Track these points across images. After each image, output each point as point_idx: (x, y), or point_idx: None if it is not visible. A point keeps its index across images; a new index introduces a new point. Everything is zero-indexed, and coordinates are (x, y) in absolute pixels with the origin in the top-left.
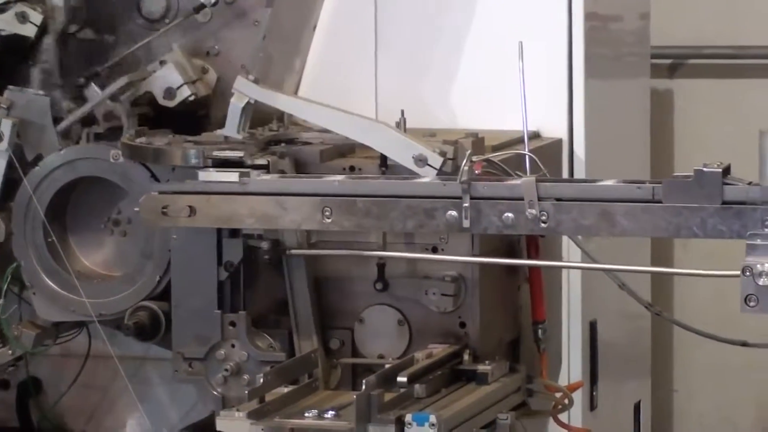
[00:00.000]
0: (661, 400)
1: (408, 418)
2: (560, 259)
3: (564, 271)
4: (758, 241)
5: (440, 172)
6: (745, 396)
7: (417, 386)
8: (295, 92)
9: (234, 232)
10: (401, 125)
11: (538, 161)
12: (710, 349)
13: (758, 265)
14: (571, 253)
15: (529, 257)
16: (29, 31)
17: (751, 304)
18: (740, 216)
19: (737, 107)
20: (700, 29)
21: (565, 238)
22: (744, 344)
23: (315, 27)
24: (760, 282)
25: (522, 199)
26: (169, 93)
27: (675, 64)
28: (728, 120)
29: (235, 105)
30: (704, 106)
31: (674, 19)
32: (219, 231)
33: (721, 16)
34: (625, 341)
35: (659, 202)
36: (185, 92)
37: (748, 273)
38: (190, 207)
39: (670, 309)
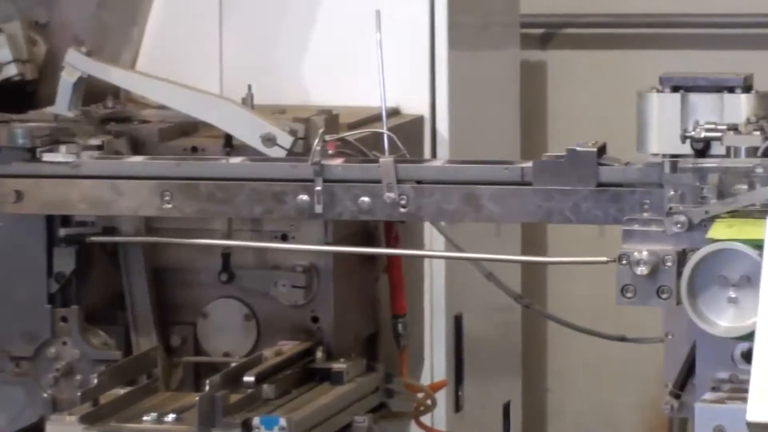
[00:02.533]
0: (533, 399)
1: (256, 421)
2: (422, 247)
3: (426, 261)
4: (636, 227)
5: (290, 153)
6: (624, 394)
7: (265, 386)
8: (133, 66)
9: (66, 220)
10: (248, 101)
11: (397, 140)
12: (587, 345)
13: (635, 253)
14: (434, 240)
15: (388, 245)
16: None
17: (628, 294)
18: (617, 199)
19: (615, 80)
20: None
21: (427, 225)
22: (622, 339)
23: None
24: (638, 271)
25: (379, 181)
26: None
27: (547, 34)
28: (605, 94)
29: (66, 80)
30: (580, 79)
31: None
32: (49, 218)
33: None
34: (493, 336)
35: (529, 184)
36: (11, 71)
37: (624, 261)
38: (16, 192)
39: (544, 301)
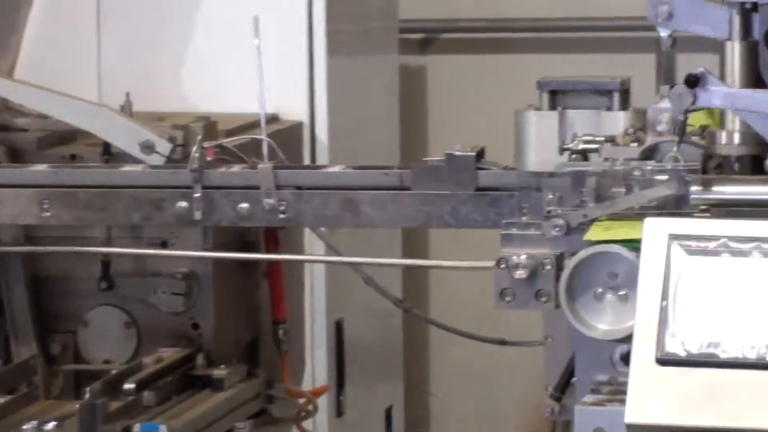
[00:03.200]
0: (415, 404)
1: (136, 428)
2: (302, 252)
3: (307, 267)
4: (514, 231)
5: (169, 160)
6: (506, 397)
7: (146, 393)
8: (11, 74)
9: None
10: (126, 109)
11: (276, 147)
12: (469, 349)
13: (514, 257)
14: (314, 246)
15: (268, 251)
16: None
17: (507, 299)
18: (495, 203)
19: (494, 84)
20: (452, 1)
21: (308, 230)
22: (503, 343)
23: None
24: (516, 275)
25: (258, 188)
26: None
27: (427, 39)
28: (485, 99)
29: None
30: (459, 84)
31: None
32: None
33: None
34: (374, 341)
35: (408, 189)
36: None
37: (503, 265)
38: None
39: (426, 305)
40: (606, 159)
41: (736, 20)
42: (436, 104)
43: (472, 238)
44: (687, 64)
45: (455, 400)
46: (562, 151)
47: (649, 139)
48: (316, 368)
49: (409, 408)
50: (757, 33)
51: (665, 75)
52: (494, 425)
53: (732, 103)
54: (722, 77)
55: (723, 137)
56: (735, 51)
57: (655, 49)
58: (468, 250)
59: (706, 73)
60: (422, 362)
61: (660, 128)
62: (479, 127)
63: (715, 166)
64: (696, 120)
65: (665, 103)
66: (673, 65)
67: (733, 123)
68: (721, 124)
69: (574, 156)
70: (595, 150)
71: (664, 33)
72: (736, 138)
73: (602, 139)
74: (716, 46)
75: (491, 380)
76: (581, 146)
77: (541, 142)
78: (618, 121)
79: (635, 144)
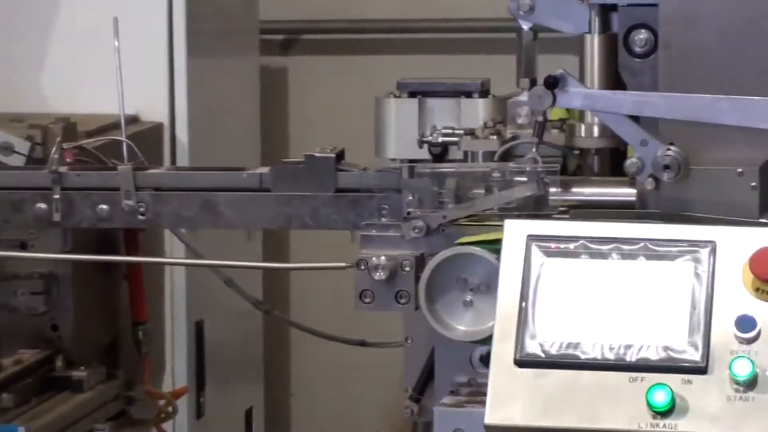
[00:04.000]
0: (276, 405)
1: None
2: (162, 254)
3: (167, 268)
4: (374, 232)
5: (30, 162)
6: (368, 398)
7: (5, 395)
8: None
9: None
10: None
11: (135, 148)
12: (330, 350)
13: (373, 258)
14: (175, 246)
15: (128, 252)
16: None
17: (367, 300)
18: (355, 205)
19: (355, 85)
20: (314, 2)
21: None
22: (363, 344)
23: None
24: (376, 276)
25: (118, 189)
26: None
27: (287, 40)
28: (346, 99)
29: None
30: (320, 85)
31: None
32: None
33: None
34: (235, 343)
35: (268, 190)
36: None
37: (362, 266)
38: None
39: (287, 307)
40: (465, 152)
41: (596, 19)
42: (297, 105)
43: (332, 239)
44: (548, 65)
45: (316, 401)
46: (421, 144)
47: (509, 132)
48: (176, 370)
49: (269, 409)
50: (616, 32)
51: (525, 69)
52: (355, 426)
53: (591, 104)
54: (582, 78)
55: (582, 130)
56: (594, 47)
57: (516, 50)
58: (329, 251)
59: (565, 74)
60: (283, 363)
61: (520, 120)
62: (340, 128)
63: (575, 165)
64: (556, 113)
65: (525, 96)
66: (533, 59)
67: (593, 116)
68: (581, 117)
69: (433, 148)
70: (455, 143)
71: (525, 26)
72: (596, 131)
73: (462, 131)
74: (576, 47)
75: (352, 381)
76: (440, 139)
77: (401, 131)
78: (477, 110)
79: (495, 137)
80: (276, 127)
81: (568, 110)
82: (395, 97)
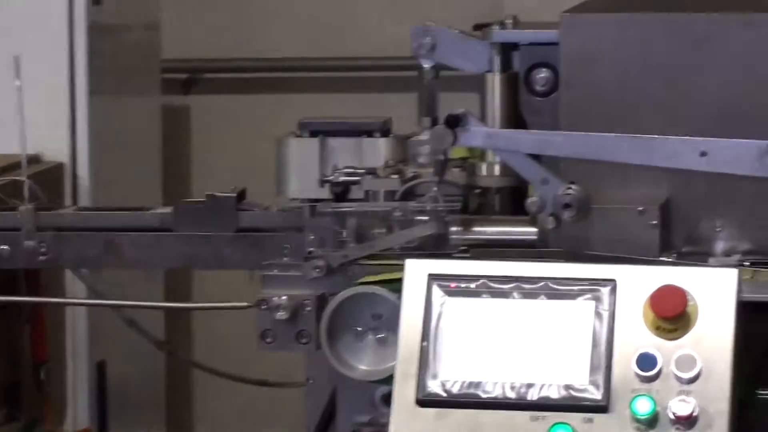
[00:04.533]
0: None
1: None
2: (64, 294)
3: (69, 308)
4: (275, 272)
5: None
6: None
7: None
8: None
9: None
10: None
11: (36, 188)
12: (232, 390)
13: (275, 298)
14: (77, 286)
15: (29, 293)
16: None
17: (268, 340)
18: (256, 244)
19: (258, 125)
20: (216, 41)
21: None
22: (265, 384)
23: None
24: (277, 316)
25: (19, 229)
26: None
27: (190, 79)
28: (249, 139)
29: None
30: (223, 124)
31: (189, 31)
32: None
33: (236, 28)
34: (137, 383)
35: (170, 230)
36: None
37: (263, 306)
38: None
39: (190, 346)
40: (367, 193)
41: (497, 58)
42: (199, 144)
43: (236, 278)
44: (449, 103)
45: None
46: (322, 183)
47: (411, 171)
48: (78, 410)
49: None
50: (517, 71)
51: (427, 107)
52: None
53: (492, 143)
54: (483, 117)
55: (484, 169)
56: (495, 87)
57: (417, 88)
58: (232, 290)
59: (466, 113)
60: (186, 403)
61: (421, 160)
62: (242, 167)
63: (477, 203)
64: (457, 152)
65: (426, 135)
66: (435, 98)
67: (494, 155)
68: (482, 156)
69: (334, 188)
70: (356, 182)
71: (426, 65)
72: (497, 170)
73: (363, 171)
74: (477, 85)
75: (256, 421)
76: (342, 178)
77: (303, 171)
78: (379, 150)
79: (396, 176)
80: (178, 167)
81: (469, 149)
82: (296, 137)
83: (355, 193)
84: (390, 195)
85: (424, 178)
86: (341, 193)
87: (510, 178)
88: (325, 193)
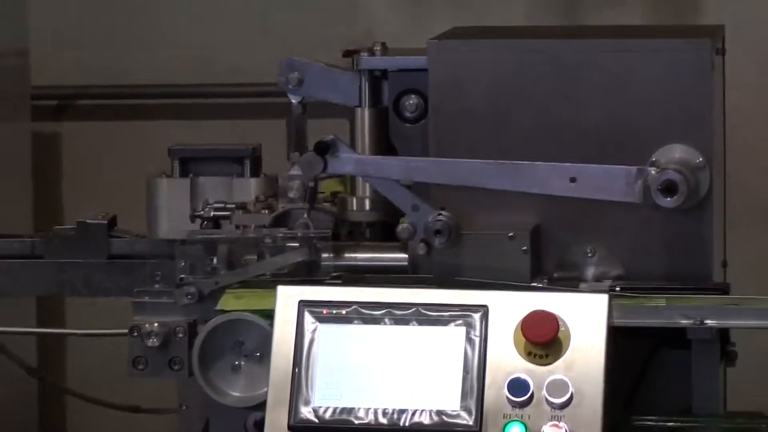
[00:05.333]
0: None
1: None
2: None
3: None
4: (146, 299)
5: None
6: None
7: None
8: None
9: None
10: None
11: None
12: (106, 416)
13: (146, 325)
14: None
15: None
16: None
17: (140, 366)
18: (128, 271)
19: (129, 151)
20: (87, 68)
21: None
22: (137, 410)
23: None
24: (149, 343)
25: None
26: None
27: (61, 105)
28: (120, 166)
29: None
30: (95, 151)
31: (59, 57)
32: None
33: (108, 55)
34: (9, 409)
35: (40, 257)
36: None
37: (135, 333)
38: None
39: (63, 372)
40: (237, 227)
41: (366, 86)
42: (70, 171)
43: (108, 305)
44: (319, 129)
45: None
46: (193, 218)
47: (281, 207)
48: None
49: None
50: (386, 99)
51: (296, 142)
52: None
53: (362, 169)
54: (352, 143)
55: (354, 203)
56: (364, 117)
57: (286, 113)
58: (104, 317)
59: (335, 140)
60: (59, 430)
61: (291, 194)
62: (114, 194)
63: (347, 233)
64: (328, 187)
65: (296, 170)
66: (304, 131)
67: (364, 189)
68: (352, 190)
69: (205, 224)
70: (227, 217)
71: (294, 99)
72: (367, 204)
73: (233, 206)
74: (347, 111)
75: None
76: (212, 213)
77: (173, 210)
78: (249, 188)
79: (266, 211)
80: (49, 194)
81: (341, 182)
82: (167, 176)
83: (226, 228)
84: (261, 225)
85: (295, 205)
86: (212, 228)
87: (380, 213)
88: (195, 228)
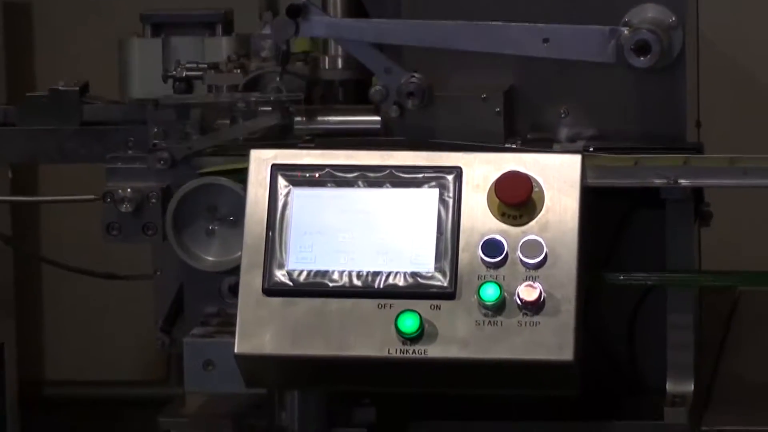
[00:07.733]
0: (28, 342)
1: None
2: None
3: None
4: (119, 164)
5: None
6: (122, 333)
7: None
8: None
9: None
10: None
11: None
12: (82, 285)
13: (119, 191)
14: None
15: None
16: None
17: (114, 232)
18: (101, 138)
19: (101, 18)
20: None
21: None
22: (111, 276)
23: None
24: (122, 208)
25: None
26: None
27: None
28: (92, 33)
29: None
30: (66, 19)
31: None
32: None
33: None
34: None
35: (13, 125)
36: None
37: (108, 199)
38: None
39: (38, 242)
40: (210, 87)
41: None
42: (42, 40)
43: (81, 172)
44: None
45: (68, 337)
46: (165, 78)
47: (253, 66)
48: None
49: (21, 346)
50: None
51: (268, 2)
52: (111, 360)
53: (334, 32)
54: (324, 7)
55: (326, 62)
56: None
57: None
58: (78, 185)
59: (307, 4)
60: (35, 299)
61: (264, 54)
62: (86, 62)
63: (320, 96)
64: (300, 46)
65: (268, 30)
66: None
67: (336, 48)
68: (325, 49)
69: (177, 84)
70: (199, 77)
71: None
72: (340, 62)
73: (206, 65)
74: None
75: (106, 315)
76: (185, 74)
77: (145, 70)
78: (221, 48)
79: (239, 71)
80: (22, 63)
81: (313, 41)
82: (138, 36)
83: (199, 89)
84: (233, 89)
85: (267, 69)
86: (184, 89)
87: (353, 71)
88: (168, 90)
